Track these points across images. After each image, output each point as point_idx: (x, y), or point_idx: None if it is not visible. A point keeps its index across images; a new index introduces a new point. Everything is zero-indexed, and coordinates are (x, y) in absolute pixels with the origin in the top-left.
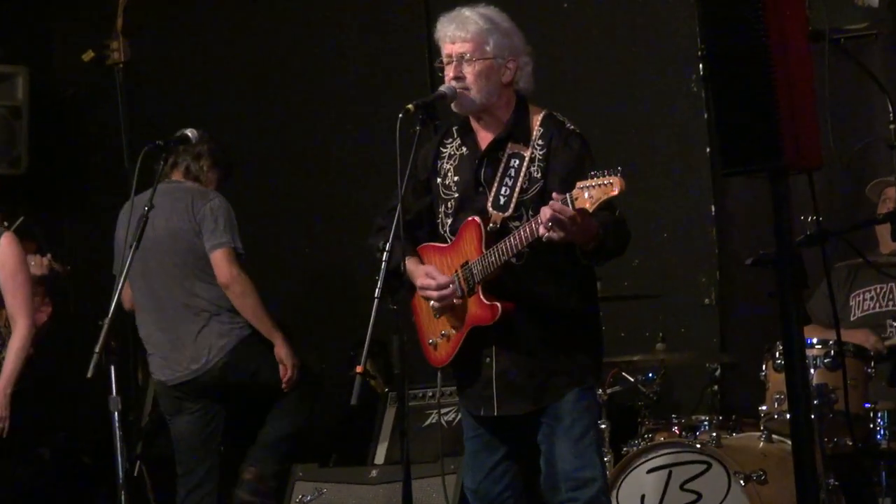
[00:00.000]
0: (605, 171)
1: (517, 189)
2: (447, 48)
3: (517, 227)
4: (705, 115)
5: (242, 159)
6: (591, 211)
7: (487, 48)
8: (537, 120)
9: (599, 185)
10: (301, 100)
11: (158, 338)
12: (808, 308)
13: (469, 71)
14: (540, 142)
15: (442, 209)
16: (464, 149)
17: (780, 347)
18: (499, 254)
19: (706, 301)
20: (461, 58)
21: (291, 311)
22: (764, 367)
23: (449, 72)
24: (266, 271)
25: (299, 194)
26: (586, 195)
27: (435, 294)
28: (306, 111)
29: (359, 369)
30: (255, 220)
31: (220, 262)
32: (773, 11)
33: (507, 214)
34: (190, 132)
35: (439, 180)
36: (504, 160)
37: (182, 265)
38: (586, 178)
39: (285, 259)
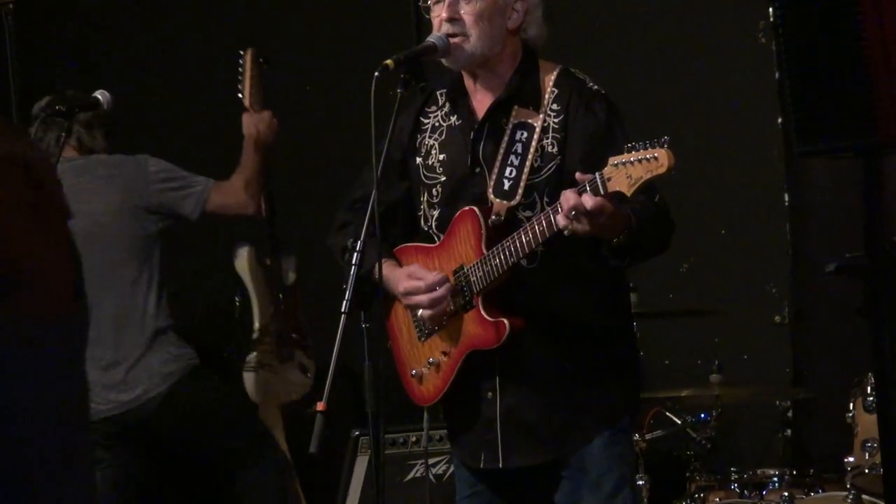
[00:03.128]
0: (648, 143)
1: (526, 168)
2: None
3: (528, 219)
4: (776, 75)
5: (167, 127)
6: (629, 195)
7: None
8: (550, 79)
9: (641, 161)
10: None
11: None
12: None
13: (468, 11)
14: (554, 106)
15: (424, 198)
16: (453, 118)
17: (872, 381)
18: (505, 255)
19: (776, 319)
20: None
21: (236, 332)
22: (851, 406)
23: (440, 11)
24: (198, 275)
25: None
26: (624, 174)
27: (426, 298)
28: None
29: (320, 406)
30: None
31: (220, 196)
32: None
33: (514, 202)
34: (101, 95)
35: (419, 160)
36: (509, 132)
37: (126, 262)
38: (622, 152)
39: (224, 258)
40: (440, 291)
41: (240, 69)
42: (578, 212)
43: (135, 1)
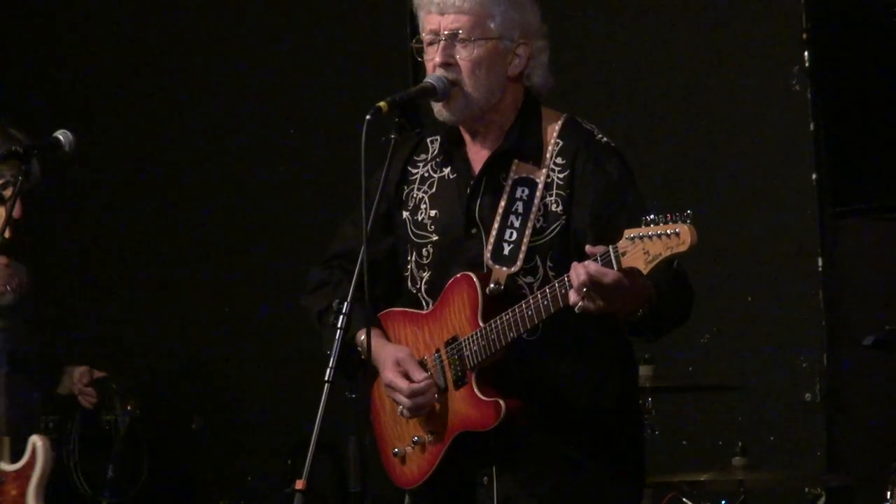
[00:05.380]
0: (668, 216)
1: (528, 230)
2: (432, 21)
3: (530, 286)
4: (811, 126)
5: (130, 173)
6: (645, 272)
7: (491, 24)
8: (554, 129)
9: (660, 237)
10: (222, 88)
11: None
12: None
13: (465, 56)
14: (559, 160)
15: (412, 258)
16: (446, 169)
17: None
18: (504, 329)
19: (807, 396)
20: (453, 36)
21: (203, 399)
22: (889, 494)
23: (434, 55)
24: (167, 341)
25: (217, 227)
26: (641, 249)
27: (407, 403)
28: (228, 106)
29: (299, 485)
30: (148, 260)
31: None
32: None
33: (514, 269)
34: (62, 136)
35: (406, 214)
36: (508, 188)
37: None
38: (639, 223)
39: (193, 322)
40: (423, 399)
41: None
42: (592, 288)
43: (101, 28)
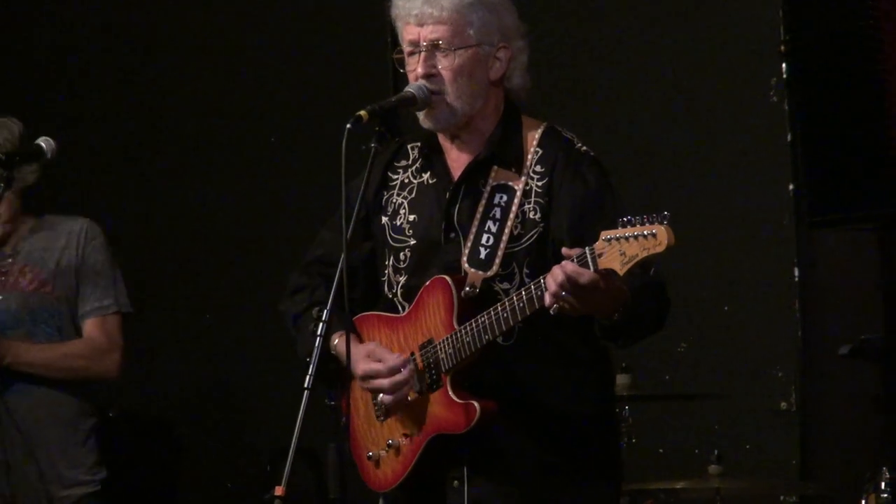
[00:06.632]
0: (645, 218)
1: (505, 236)
2: (411, 32)
3: (506, 292)
4: (788, 137)
5: (107, 181)
6: (621, 274)
7: (470, 31)
8: (534, 137)
9: (636, 238)
10: (198, 98)
11: None
12: None
13: (446, 66)
14: (538, 168)
15: (390, 262)
16: (426, 175)
17: (887, 475)
18: (479, 332)
19: (782, 405)
20: (433, 46)
21: (183, 405)
22: (863, 502)
23: (415, 66)
24: (148, 347)
25: (197, 234)
26: (617, 251)
27: (387, 383)
28: (208, 115)
29: (278, 491)
30: (133, 270)
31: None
32: None
33: (490, 273)
34: (45, 142)
35: (385, 219)
36: (486, 194)
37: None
38: (616, 226)
39: (173, 328)
40: (402, 375)
41: None
42: (568, 290)
43: (74, 36)
